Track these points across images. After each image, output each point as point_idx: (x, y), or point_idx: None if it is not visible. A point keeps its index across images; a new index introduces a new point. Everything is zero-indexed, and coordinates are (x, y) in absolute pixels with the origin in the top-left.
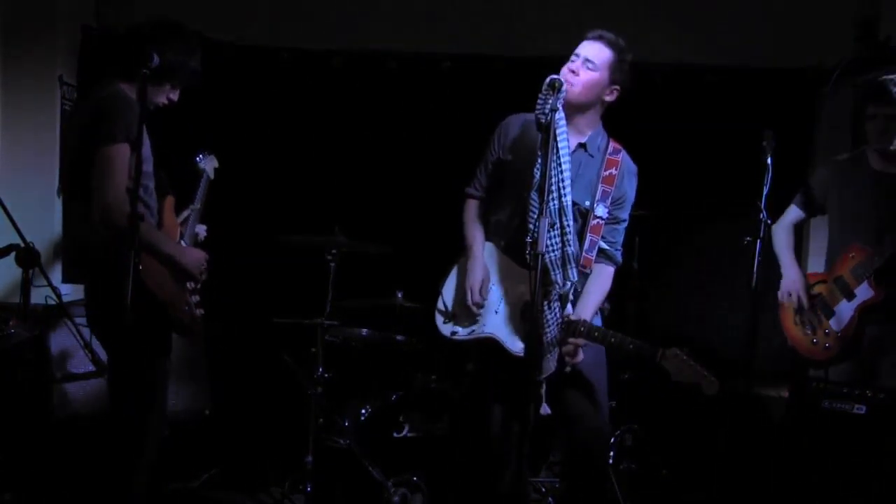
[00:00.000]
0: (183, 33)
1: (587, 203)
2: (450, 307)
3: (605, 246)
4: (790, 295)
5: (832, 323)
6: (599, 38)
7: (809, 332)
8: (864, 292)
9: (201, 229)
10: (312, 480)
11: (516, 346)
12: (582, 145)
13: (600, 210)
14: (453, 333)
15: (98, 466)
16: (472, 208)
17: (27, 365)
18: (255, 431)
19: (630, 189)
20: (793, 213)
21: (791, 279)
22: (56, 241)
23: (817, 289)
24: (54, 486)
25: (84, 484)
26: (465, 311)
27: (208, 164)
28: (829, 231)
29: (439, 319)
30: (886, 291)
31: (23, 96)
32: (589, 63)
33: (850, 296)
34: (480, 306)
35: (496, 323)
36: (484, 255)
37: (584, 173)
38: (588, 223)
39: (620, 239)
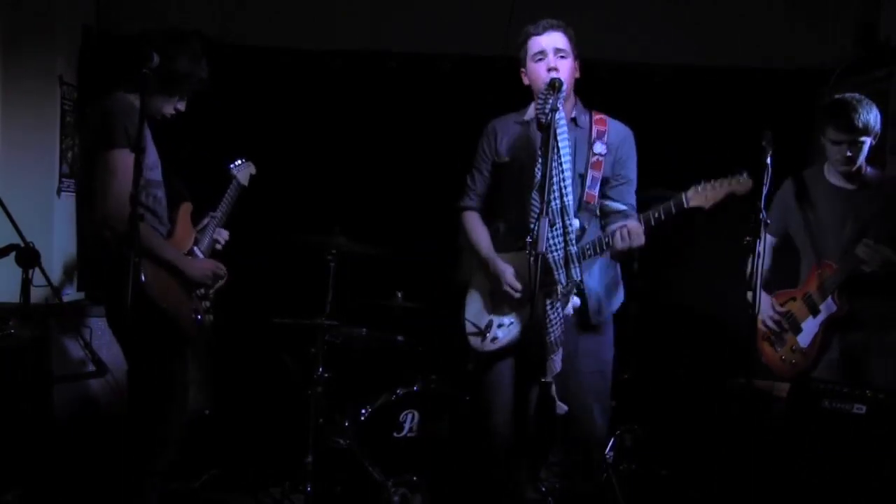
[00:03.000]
0: (190, 43)
1: (583, 169)
2: (482, 324)
3: (622, 207)
4: (762, 323)
5: (799, 339)
6: (553, 28)
7: (779, 349)
8: (827, 308)
9: (222, 234)
10: (312, 480)
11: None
12: (572, 119)
13: (598, 147)
14: (494, 339)
15: (102, 466)
16: (473, 220)
17: (27, 365)
18: (255, 431)
19: (628, 148)
20: (768, 240)
21: (764, 310)
22: (57, 242)
23: (788, 306)
24: (55, 485)
25: (84, 484)
26: (496, 317)
27: (242, 170)
28: (798, 247)
29: (475, 341)
30: (849, 306)
31: (23, 96)
32: (560, 52)
33: (816, 312)
34: (519, 291)
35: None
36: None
37: (579, 143)
38: (588, 161)
39: (633, 201)
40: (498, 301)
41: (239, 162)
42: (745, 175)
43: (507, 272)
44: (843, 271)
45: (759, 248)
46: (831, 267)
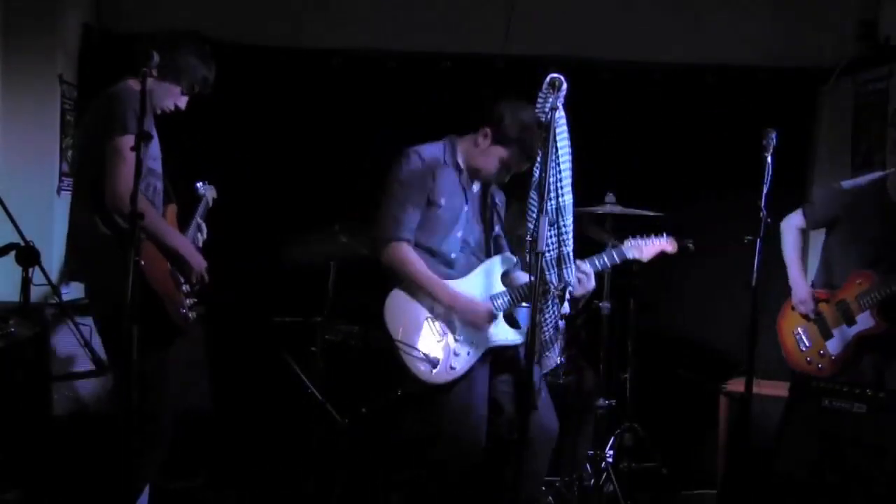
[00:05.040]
0: (197, 41)
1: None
2: (432, 353)
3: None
4: (802, 304)
5: (829, 345)
6: None
7: (804, 349)
8: (865, 321)
9: (202, 229)
10: (312, 480)
11: (522, 336)
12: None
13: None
14: (451, 369)
15: (101, 463)
16: (412, 252)
17: (27, 363)
18: (255, 431)
19: None
20: (797, 218)
21: (802, 294)
22: (57, 241)
23: (819, 307)
24: (55, 484)
25: (83, 482)
26: (452, 346)
27: (208, 192)
28: (832, 249)
29: (423, 369)
30: (888, 324)
31: (23, 96)
32: None
33: (851, 322)
34: (489, 317)
35: (487, 331)
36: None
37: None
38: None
39: None
40: (450, 330)
41: (202, 184)
42: (671, 238)
43: (471, 300)
44: (888, 285)
45: (759, 246)
46: (872, 279)
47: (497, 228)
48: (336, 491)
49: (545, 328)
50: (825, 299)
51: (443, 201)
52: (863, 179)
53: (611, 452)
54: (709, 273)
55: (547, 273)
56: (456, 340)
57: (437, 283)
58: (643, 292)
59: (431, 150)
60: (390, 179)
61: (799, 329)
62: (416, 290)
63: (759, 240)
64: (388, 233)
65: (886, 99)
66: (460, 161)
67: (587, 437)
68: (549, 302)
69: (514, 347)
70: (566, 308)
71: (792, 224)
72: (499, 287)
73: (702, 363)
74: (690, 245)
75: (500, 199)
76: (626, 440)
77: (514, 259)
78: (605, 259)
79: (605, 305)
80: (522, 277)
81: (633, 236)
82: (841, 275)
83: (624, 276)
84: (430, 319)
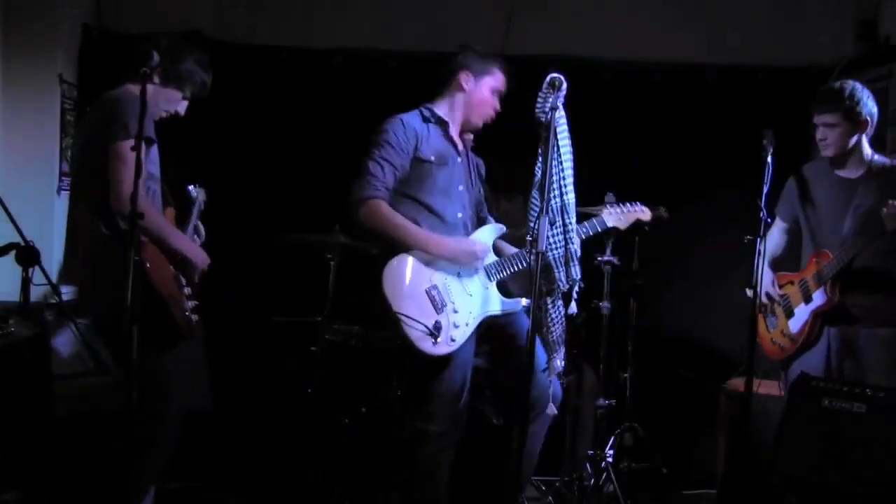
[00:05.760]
0: (197, 45)
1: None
2: (430, 324)
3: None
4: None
5: (791, 324)
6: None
7: (772, 330)
8: (819, 297)
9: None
10: (312, 480)
11: (519, 304)
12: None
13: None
14: (452, 341)
15: (101, 464)
16: (389, 208)
17: (27, 363)
18: (255, 431)
19: None
20: (777, 223)
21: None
22: (57, 241)
23: (786, 289)
24: (55, 484)
25: (84, 482)
26: (449, 316)
27: (200, 194)
28: (803, 234)
29: (426, 344)
30: (839, 298)
31: (23, 96)
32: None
33: (808, 300)
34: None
35: (483, 300)
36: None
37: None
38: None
39: None
40: (449, 300)
41: (193, 187)
42: (646, 209)
43: (461, 241)
44: (839, 260)
45: (760, 246)
46: (828, 256)
47: (480, 192)
48: (336, 491)
49: (553, 327)
50: (790, 281)
51: (433, 157)
52: (810, 163)
53: (611, 452)
54: (709, 273)
55: (556, 272)
56: (455, 311)
57: (420, 233)
58: (643, 292)
59: (412, 115)
60: (371, 143)
61: (766, 312)
62: (416, 257)
63: (759, 240)
64: (362, 192)
65: (886, 99)
66: (443, 115)
67: (587, 437)
68: (555, 300)
69: (505, 315)
70: (573, 308)
71: (771, 231)
72: (491, 257)
73: (702, 363)
74: (664, 212)
75: (480, 164)
76: (626, 440)
77: (503, 228)
78: (588, 228)
79: (605, 305)
80: (511, 248)
81: (611, 206)
82: (806, 257)
83: (624, 276)
84: (430, 290)
